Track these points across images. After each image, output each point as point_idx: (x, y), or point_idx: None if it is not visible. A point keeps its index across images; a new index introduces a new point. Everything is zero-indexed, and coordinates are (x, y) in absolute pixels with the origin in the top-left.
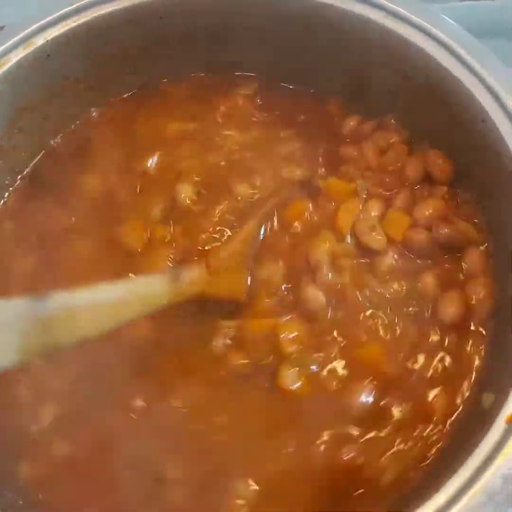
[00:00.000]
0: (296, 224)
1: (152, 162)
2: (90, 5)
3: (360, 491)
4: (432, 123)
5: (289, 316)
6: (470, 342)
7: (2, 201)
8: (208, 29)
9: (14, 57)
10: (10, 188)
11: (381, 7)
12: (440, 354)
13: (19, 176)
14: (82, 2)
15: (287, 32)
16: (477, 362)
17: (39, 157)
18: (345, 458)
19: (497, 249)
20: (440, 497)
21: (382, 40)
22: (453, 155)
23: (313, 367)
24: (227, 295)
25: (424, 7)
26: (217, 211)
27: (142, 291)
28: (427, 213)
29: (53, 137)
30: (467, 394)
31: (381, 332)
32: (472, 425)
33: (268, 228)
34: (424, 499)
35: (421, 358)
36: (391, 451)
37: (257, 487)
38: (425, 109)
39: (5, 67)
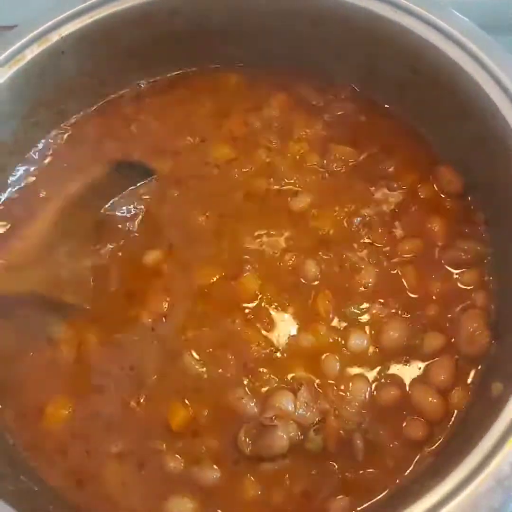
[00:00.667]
0: None
1: None
2: (103, 2)
3: None
4: (441, 116)
5: None
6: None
7: None
8: (218, 25)
9: (29, 54)
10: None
11: (391, 2)
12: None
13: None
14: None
15: (296, 28)
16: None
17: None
18: None
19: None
20: (449, 483)
21: (391, 35)
22: (462, 151)
23: None
24: None
25: (434, 2)
26: None
27: None
28: None
29: (67, 132)
30: (475, 383)
31: None
32: (481, 414)
33: None
34: (433, 483)
35: None
36: None
37: None
38: (434, 103)
39: (21, 64)
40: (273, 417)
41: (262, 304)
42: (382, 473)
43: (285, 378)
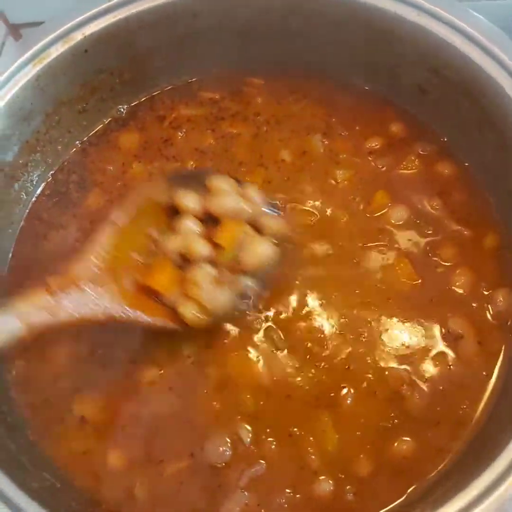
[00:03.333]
0: None
1: None
2: (127, 2)
3: None
4: (462, 119)
5: None
6: None
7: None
8: (240, 26)
9: (54, 52)
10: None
11: (413, 5)
12: None
13: (50, 172)
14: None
15: (317, 29)
16: None
17: (74, 150)
18: None
19: None
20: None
21: (413, 37)
22: (481, 152)
23: None
24: None
25: (456, 5)
26: None
27: None
28: None
29: (88, 131)
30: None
31: None
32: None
33: None
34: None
35: None
36: None
37: None
38: (455, 105)
39: (45, 61)
40: None
41: None
42: None
43: None
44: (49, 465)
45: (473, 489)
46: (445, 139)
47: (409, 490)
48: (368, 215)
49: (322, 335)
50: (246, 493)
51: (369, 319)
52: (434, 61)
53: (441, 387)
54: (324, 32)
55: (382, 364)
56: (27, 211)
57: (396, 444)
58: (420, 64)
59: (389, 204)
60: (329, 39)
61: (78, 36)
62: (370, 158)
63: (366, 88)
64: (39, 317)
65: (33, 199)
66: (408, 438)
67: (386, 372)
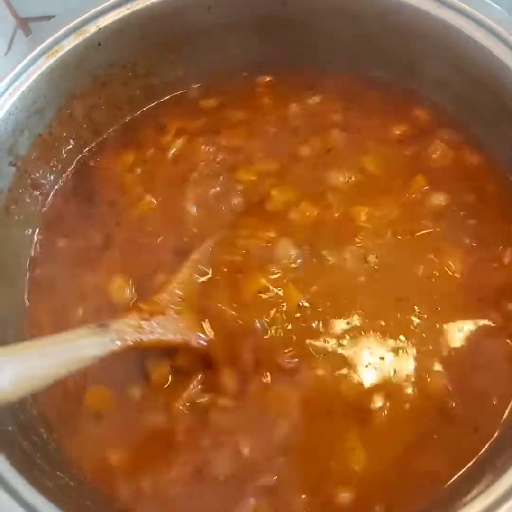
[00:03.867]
0: None
1: None
2: None
3: None
4: (482, 113)
5: None
6: None
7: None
8: (254, 20)
9: (67, 45)
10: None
11: None
12: None
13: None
14: None
15: (334, 23)
16: None
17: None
18: None
19: None
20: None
21: (433, 30)
22: (500, 146)
23: None
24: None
25: None
26: None
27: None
28: None
29: (101, 126)
30: None
31: None
32: None
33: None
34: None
35: None
36: None
37: None
38: (475, 97)
39: (58, 54)
40: None
41: None
42: None
43: None
44: (63, 464)
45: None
46: (470, 129)
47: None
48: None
49: None
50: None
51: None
52: (454, 54)
53: None
54: (341, 25)
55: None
56: (43, 207)
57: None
58: (439, 57)
59: (426, 188)
60: (347, 33)
61: (91, 28)
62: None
63: (385, 81)
64: (131, 336)
65: (45, 193)
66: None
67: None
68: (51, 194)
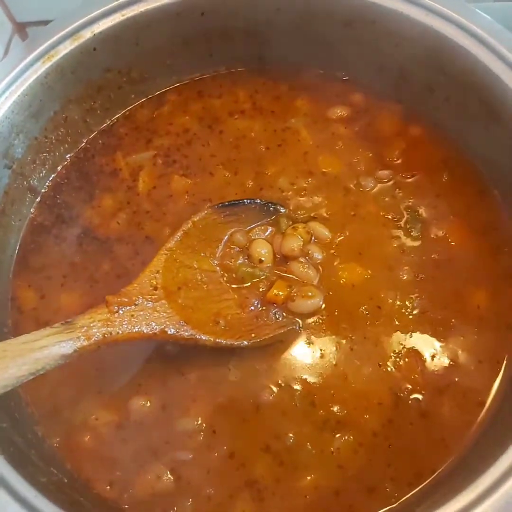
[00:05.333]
0: None
1: None
2: (135, 1)
3: None
4: (469, 119)
5: None
6: None
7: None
8: (248, 26)
9: (63, 50)
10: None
11: (422, 5)
12: None
13: (58, 169)
14: None
15: (327, 29)
16: None
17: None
18: None
19: None
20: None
21: (421, 37)
22: (489, 151)
23: None
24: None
25: (463, 5)
26: None
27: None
28: None
29: (94, 130)
30: None
31: None
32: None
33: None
34: None
35: None
36: None
37: None
38: (462, 105)
39: (54, 59)
40: None
41: None
42: None
43: None
44: (57, 460)
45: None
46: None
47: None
48: None
49: None
50: None
51: None
52: (441, 60)
53: None
54: (331, 31)
55: None
56: (35, 206)
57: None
58: (427, 63)
59: None
60: (336, 37)
61: (87, 34)
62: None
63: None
64: (99, 332)
65: (40, 196)
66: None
67: None
68: (47, 196)
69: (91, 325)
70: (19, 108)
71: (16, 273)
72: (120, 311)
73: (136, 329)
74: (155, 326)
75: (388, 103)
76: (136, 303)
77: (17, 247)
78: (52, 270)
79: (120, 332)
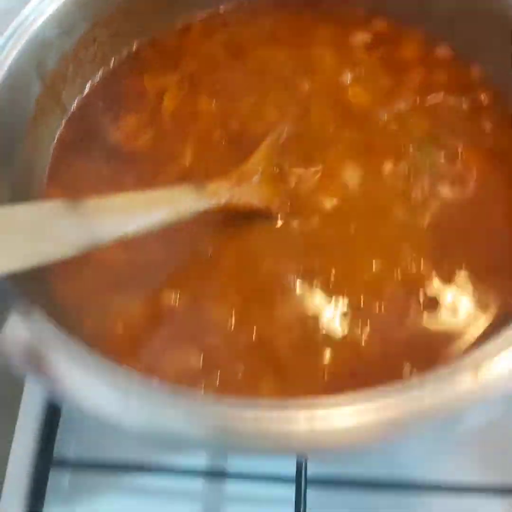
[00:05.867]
0: None
1: None
2: None
3: None
4: (495, 46)
5: None
6: None
7: None
8: None
9: None
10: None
11: None
12: None
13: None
14: None
15: None
16: None
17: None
18: None
19: None
20: None
21: None
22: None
23: None
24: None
25: None
26: None
27: (169, 199)
28: None
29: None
30: None
31: None
32: None
33: None
34: None
35: None
36: None
37: None
38: (487, 31)
39: None
40: None
41: None
42: None
43: None
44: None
45: None
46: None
47: None
48: None
49: None
50: None
51: None
52: None
53: None
54: None
55: None
56: (64, 124)
57: None
58: None
59: None
60: None
61: None
62: None
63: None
64: (224, 197)
65: (69, 113)
66: None
67: None
68: (75, 114)
69: (218, 190)
70: (51, 25)
71: (49, 186)
72: (239, 186)
73: (252, 201)
74: (263, 203)
75: (412, 29)
76: (251, 180)
77: (48, 163)
78: (82, 184)
79: (239, 201)
